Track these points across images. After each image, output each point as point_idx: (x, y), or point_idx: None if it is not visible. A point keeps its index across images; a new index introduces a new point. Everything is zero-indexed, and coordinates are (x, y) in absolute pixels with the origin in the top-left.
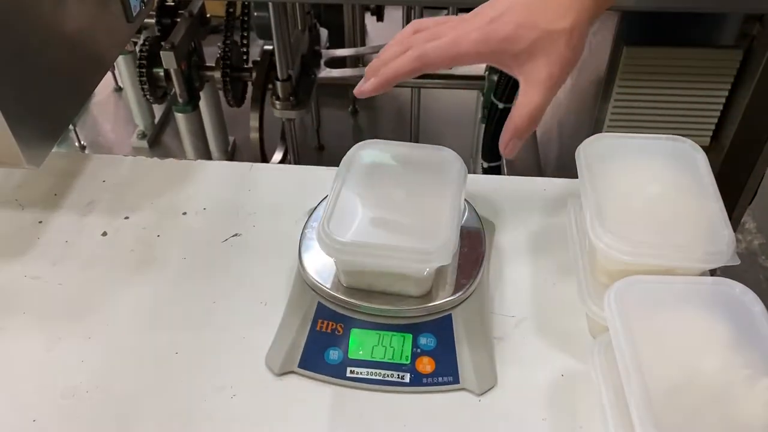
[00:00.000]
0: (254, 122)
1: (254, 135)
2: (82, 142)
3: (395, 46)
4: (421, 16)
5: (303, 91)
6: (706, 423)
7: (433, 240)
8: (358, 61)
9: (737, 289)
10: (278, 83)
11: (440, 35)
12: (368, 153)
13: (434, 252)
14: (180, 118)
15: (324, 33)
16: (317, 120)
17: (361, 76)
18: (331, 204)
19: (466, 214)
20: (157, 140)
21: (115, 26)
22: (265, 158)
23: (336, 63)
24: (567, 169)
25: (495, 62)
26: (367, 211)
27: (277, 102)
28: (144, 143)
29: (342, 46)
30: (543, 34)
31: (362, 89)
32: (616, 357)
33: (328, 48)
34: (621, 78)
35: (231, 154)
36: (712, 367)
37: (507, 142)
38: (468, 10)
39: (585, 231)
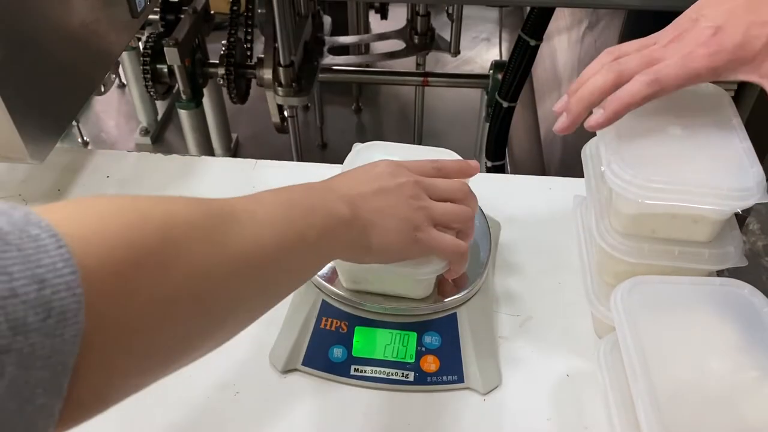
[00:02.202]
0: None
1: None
2: (84, 138)
3: (601, 74)
4: (427, 15)
5: (305, 78)
6: (713, 424)
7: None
8: (361, 48)
9: (746, 290)
10: (281, 69)
11: (658, 59)
12: (369, 155)
13: (436, 262)
14: (183, 114)
15: (327, 20)
16: (320, 118)
17: (364, 64)
18: None
19: None
20: (159, 137)
21: (120, 21)
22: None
23: (339, 51)
24: (570, 169)
25: (730, 74)
26: None
27: (280, 88)
28: (147, 140)
29: (346, 46)
30: None
31: (592, 123)
32: (623, 357)
33: (331, 36)
34: None
35: (234, 150)
36: (719, 368)
37: None
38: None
39: (590, 230)
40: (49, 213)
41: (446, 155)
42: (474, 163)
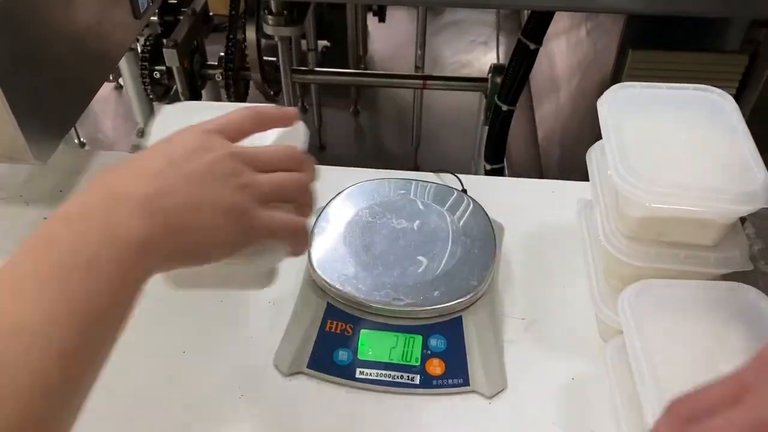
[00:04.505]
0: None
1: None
2: (81, 139)
3: None
4: (425, 17)
5: (298, 9)
6: None
7: None
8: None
9: (752, 293)
10: None
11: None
12: (177, 122)
13: None
14: None
15: None
16: (319, 120)
17: (364, 74)
18: None
19: (476, 215)
20: None
21: (122, 23)
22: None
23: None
24: (568, 173)
25: None
26: None
27: (270, 17)
28: (144, 141)
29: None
30: None
31: None
32: (630, 360)
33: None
34: (626, 81)
35: None
36: (727, 370)
37: None
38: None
39: (596, 233)
40: None
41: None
42: (292, 109)
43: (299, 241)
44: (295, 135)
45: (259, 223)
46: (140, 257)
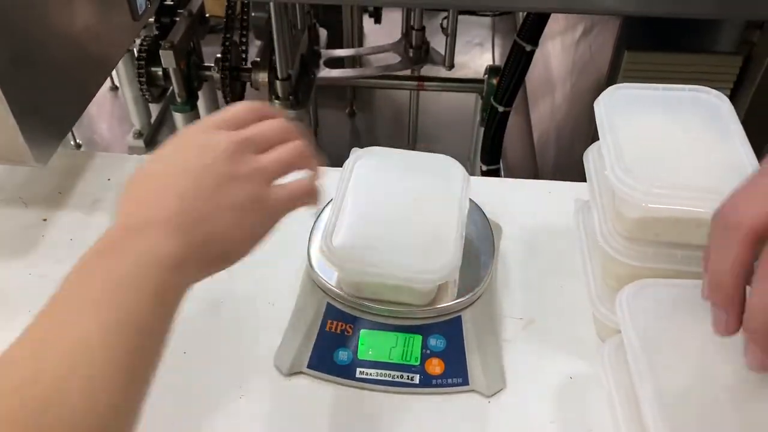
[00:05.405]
0: None
1: None
2: (77, 141)
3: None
4: (422, 30)
5: (302, 91)
6: (720, 426)
7: (438, 257)
8: (357, 61)
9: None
10: (278, 82)
11: None
12: (368, 161)
13: (438, 270)
14: (178, 117)
15: (323, 33)
16: (315, 121)
17: (360, 77)
18: (334, 216)
19: (474, 216)
20: (153, 140)
21: (121, 25)
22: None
23: (335, 63)
24: (564, 173)
25: None
26: (370, 222)
27: (277, 102)
28: (140, 142)
29: (340, 48)
30: None
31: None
32: (629, 360)
33: (326, 48)
34: (621, 82)
35: None
36: (726, 370)
37: None
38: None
39: (593, 234)
40: None
41: (448, 162)
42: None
43: (312, 199)
44: None
45: (276, 204)
46: (173, 273)
